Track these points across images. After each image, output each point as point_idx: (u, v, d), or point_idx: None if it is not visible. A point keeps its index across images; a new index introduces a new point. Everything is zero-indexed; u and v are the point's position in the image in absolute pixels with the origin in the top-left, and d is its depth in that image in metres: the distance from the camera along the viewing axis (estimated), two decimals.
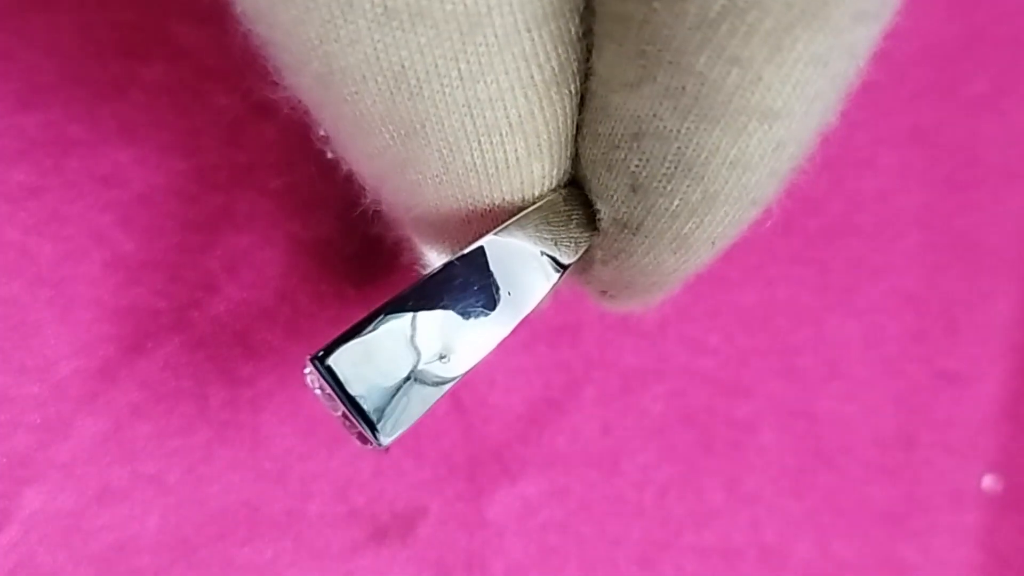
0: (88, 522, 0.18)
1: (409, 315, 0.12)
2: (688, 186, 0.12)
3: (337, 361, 0.11)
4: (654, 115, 0.11)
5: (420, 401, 0.12)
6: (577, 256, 0.13)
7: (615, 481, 0.21)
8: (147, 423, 0.18)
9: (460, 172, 0.12)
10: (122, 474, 0.18)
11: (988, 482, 0.23)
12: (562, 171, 0.13)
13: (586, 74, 0.12)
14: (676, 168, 0.12)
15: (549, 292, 0.13)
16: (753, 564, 0.21)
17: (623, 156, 0.12)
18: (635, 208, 0.13)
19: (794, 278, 0.22)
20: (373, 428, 0.12)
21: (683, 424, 0.21)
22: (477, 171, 0.12)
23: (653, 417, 0.21)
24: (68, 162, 0.18)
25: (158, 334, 0.19)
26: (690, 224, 0.12)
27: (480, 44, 0.11)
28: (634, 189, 0.12)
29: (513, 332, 0.13)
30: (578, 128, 0.13)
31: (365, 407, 0.12)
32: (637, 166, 0.12)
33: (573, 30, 0.12)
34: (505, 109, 0.11)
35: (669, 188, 0.12)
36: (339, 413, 0.12)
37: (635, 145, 0.12)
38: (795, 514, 0.22)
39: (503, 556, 0.20)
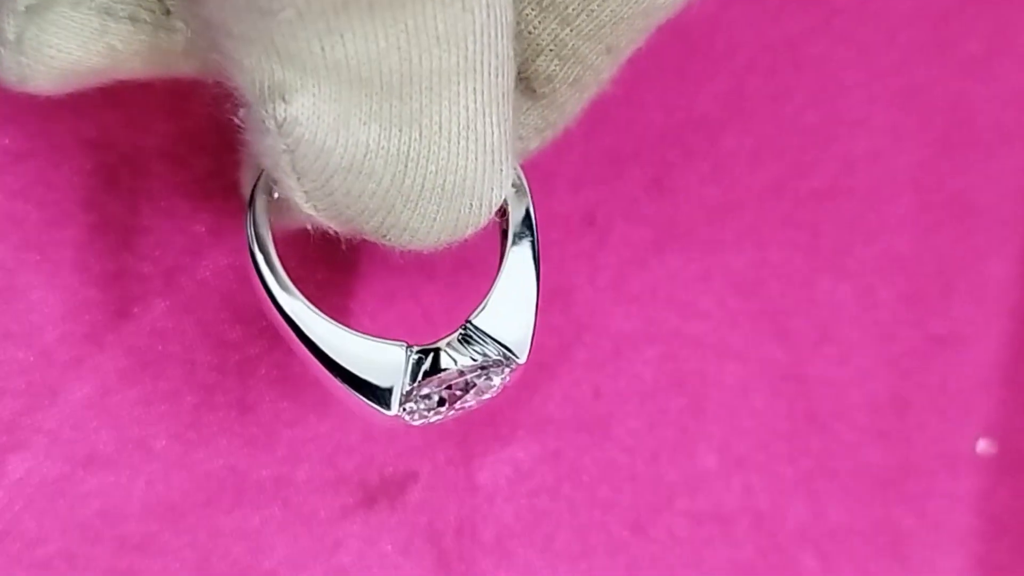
0: (74, 488, 0.18)
1: None
2: None
3: None
4: None
5: None
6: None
7: (606, 445, 0.21)
8: (134, 388, 0.18)
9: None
10: (108, 440, 0.18)
11: (983, 446, 0.23)
12: None
13: None
14: None
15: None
16: (746, 528, 0.21)
17: None
18: None
19: (785, 241, 0.22)
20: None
21: (674, 388, 0.21)
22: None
23: (644, 381, 0.21)
24: (54, 126, 0.18)
25: (145, 299, 0.19)
26: None
27: None
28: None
29: None
30: None
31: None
32: None
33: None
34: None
35: None
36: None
37: None
38: (788, 478, 0.21)
39: (493, 521, 0.20)
